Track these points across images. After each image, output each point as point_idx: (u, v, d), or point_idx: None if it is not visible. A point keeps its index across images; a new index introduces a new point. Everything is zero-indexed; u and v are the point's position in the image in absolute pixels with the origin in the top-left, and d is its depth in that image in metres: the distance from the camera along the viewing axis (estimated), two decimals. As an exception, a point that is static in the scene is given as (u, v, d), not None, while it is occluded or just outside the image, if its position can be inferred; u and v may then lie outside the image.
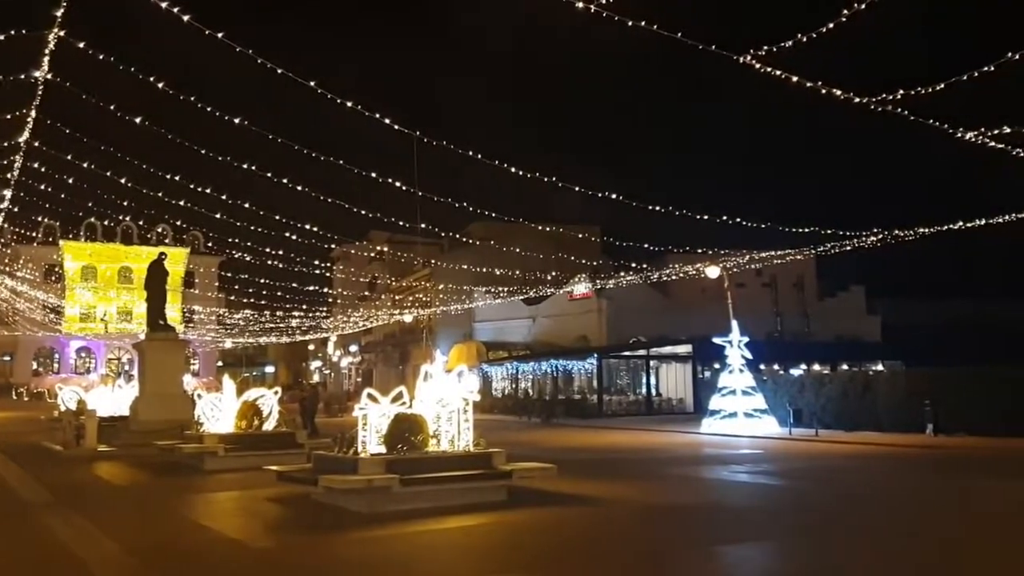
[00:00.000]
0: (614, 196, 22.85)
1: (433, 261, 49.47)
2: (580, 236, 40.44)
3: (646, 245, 32.02)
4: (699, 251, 35.70)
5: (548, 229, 32.85)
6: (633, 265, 36.74)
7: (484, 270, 42.79)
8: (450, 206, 25.57)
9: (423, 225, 27.67)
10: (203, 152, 22.56)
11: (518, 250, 36.75)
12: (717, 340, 28.04)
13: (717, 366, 32.25)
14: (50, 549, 9.53)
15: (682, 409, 38.36)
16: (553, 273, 42.93)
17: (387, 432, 11.95)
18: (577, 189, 21.62)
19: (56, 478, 16.24)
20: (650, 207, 23.76)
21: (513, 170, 19.91)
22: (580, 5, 12.18)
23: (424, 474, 11.48)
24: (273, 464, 13.93)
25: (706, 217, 25.78)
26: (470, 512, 11.02)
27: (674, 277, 39.76)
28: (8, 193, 31.29)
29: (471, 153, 19.42)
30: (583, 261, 41.79)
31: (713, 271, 30.98)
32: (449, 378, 12.99)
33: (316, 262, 45.23)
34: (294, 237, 33.87)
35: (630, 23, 12.45)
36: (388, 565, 8.64)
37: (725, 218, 25.61)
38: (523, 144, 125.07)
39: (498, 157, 20.54)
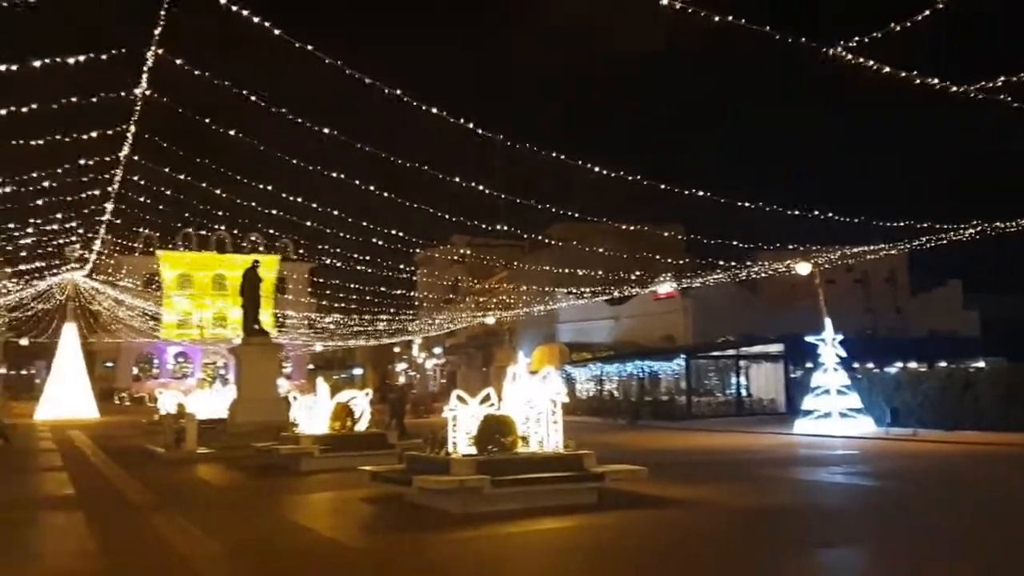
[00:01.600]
0: (700, 193, 22.54)
1: (516, 263, 49.63)
2: (664, 235, 40.06)
3: (733, 242, 31.50)
4: (789, 247, 34.94)
5: (631, 228, 32.59)
6: (721, 263, 36.17)
7: (566, 271, 42.77)
8: (530, 207, 25.65)
9: (504, 227, 27.80)
10: (294, 162, 23.12)
11: (601, 250, 36.58)
12: (809, 338, 27.41)
13: (809, 365, 31.48)
14: (156, 548, 9.89)
15: (773, 410, 37.57)
16: (637, 273, 42.57)
17: (477, 433, 12.05)
18: (662, 186, 21.42)
19: (159, 479, 16.86)
20: (738, 203, 23.35)
21: (596, 169, 19.85)
22: (664, 1, 12.08)
23: (515, 475, 11.54)
24: (366, 465, 14.19)
25: (796, 212, 25.27)
26: (561, 514, 11.02)
27: (763, 275, 39.01)
28: (110, 206, 32.67)
29: (553, 155, 19.44)
30: (667, 260, 41.34)
31: (804, 267, 30.29)
32: (535, 380, 13.03)
33: (401, 266, 45.90)
34: (380, 243, 34.43)
35: (716, 18, 12.30)
36: (483, 566, 8.72)
37: (816, 213, 25.01)
38: (604, 143, 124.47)
39: (579, 157, 20.54)
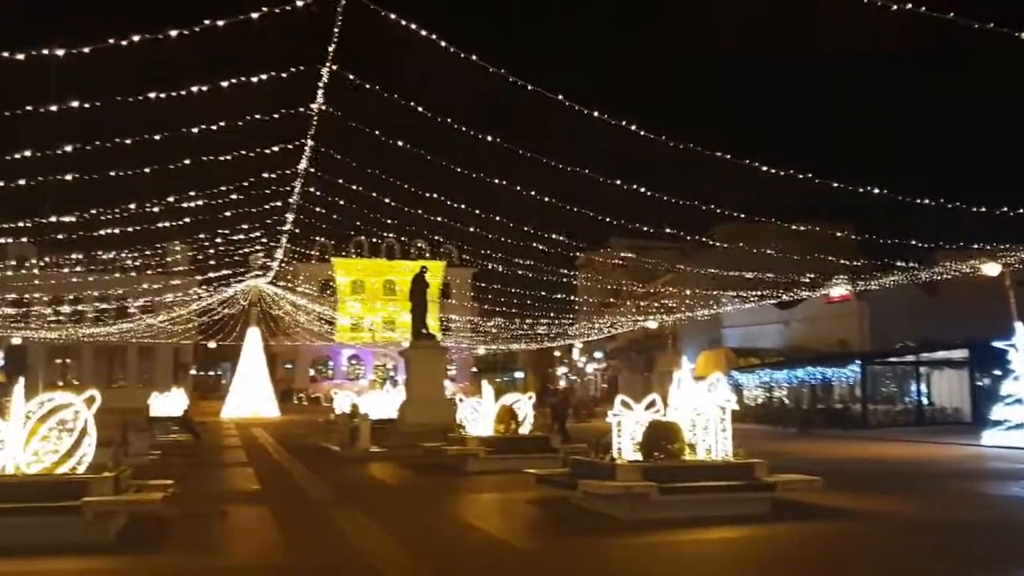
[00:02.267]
0: (875, 190, 21.44)
1: (680, 266, 48.83)
2: (837, 235, 38.34)
3: (911, 242, 29.73)
4: (974, 247, 32.65)
5: (801, 228, 31.36)
6: (898, 263, 34.22)
7: (731, 273, 41.71)
8: (693, 208, 25.17)
9: (667, 230, 27.42)
10: (459, 170, 23.70)
11: (769, 251, 35.39)
12: (998, 344, 25.54)
13: (998, 372, 29.34)
14: (336, 542, 10.34)
15: (958, 419, 35.27)
16: (808, 275, 40.92)
17: (642, 439, 11.93)
18: (835, 185, 20.52)
19: (336, 476, 17.64)
20: (917, 200, 22.06)
21: (764, 168, 19.26)
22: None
23: (683, 483, 11.35)
24: (530, 467, 14.34)
25: (982, 209, 23.59)
26: (731, 524, 10.75)
27: (945, 276, 36.67)
28: (291, 216, 34.57)
29: (718, 154, 19.02)
30: (840, 261, 39.52)
31: (991, 268, 28.29)
32: (703, 386, 12.77)
33: (563, 270, 46.09)
34: (541, 247, 34.75)
35: (894, 7, 11.67)
36: (653, 574, 8.62)
37: (1005, 209, 23.25)
38: (771, 141, 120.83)
39: (744, 156, 19.99)
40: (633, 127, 17.58)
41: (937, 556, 9.38)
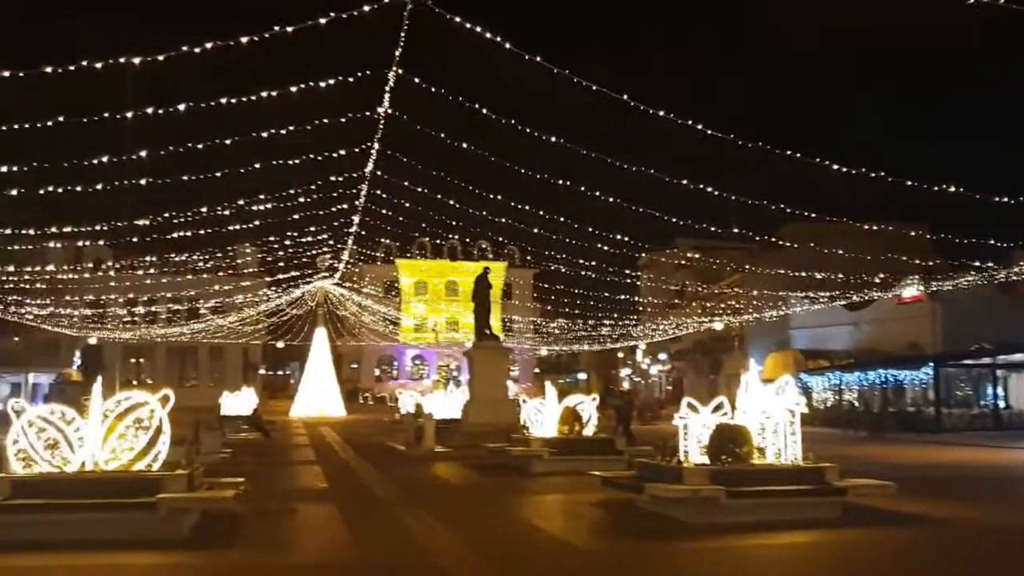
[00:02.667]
0: (951, 189, 20.82)
1: (747, 267, 48.08)
2: (910, 234, 37.34)
3: (989, 241, 28.81)
4: (1054, 246, 31.53)
5: (873, 228, 30.61)
6: (977, 264, 33.19)
7: (800, 274, 40.94)
8: (759, 208, 24.76)
9: (735, 230, 27.02)
10: (522, 171, 23.71)
11: (839, 251, 34.62)
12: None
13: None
14: (402, 541, 10.43)
15: (1037, 424, 34.15)
16: (881, 276, 39.93)
17: (709, 442, 11.78)
18: (909, 183, 19.99)
19: (401, 475, 17.81)
20: (994, 198, 21.36)
21: (836, 167, 18.86)
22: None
23: (751, 487, 11.18)
24: (594, 469, 14.27)
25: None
26: (801, 528, 10.56)
27: (1024, 276, 35.49)
28: (357, 219, 35.02)
29: (787, 152, 18.68)
30: (913, 261, 38.51)
31: (1073, 268, 27.30)
32: (770, 389, 12.57)
33: (626, 271, 45.78)
34: (605, 248, 34.54)
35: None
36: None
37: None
38: (841, 139, 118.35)
39: (814, 154, 19.59)
40: (700, 126, 17.37)
41: (1012, 564, 9.09)
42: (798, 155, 18.79)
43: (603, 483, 13.18)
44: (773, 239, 35.86)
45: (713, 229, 28.64)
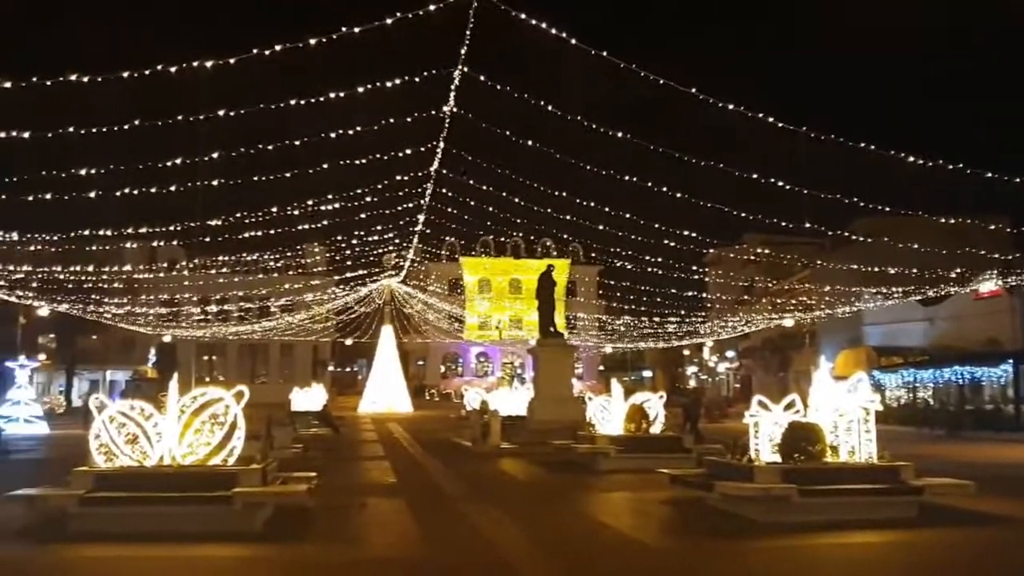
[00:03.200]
0: (1032, 181, 20.10)
1: (819, 262, 47.12)
2: (989, 228, 36.17)
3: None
4: None
5: (950, 221, 29.71)
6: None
7: (873, 269, 40.01)
8: (832, 202, 24.21)
9: (807, 224, 26.48)
10: (587, 168, 23.60)
11: (915, 246, 33.70)
12: None
13: None
14: (471, 536, 10.49)
15: (1125, 423, 32.74)
16: (957, 270, 38.77)
17: (781, 441, 11.59)
18: (988, 175, 19.34)
19: (468, 471, 17.90)
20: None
21: (911, 159, 18.36)
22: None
23: (824, 485, 10.97)
24: (661, 467, 14.16)
25: None
26: (875, 528, 10.33)
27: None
28: (422, 217, 35.32)
29: (861, 145, 18.25)
30: (992, 255, 37.29)
31: None
32: (844, 386, 12.32)
33: (693, 267, 45.28)
34: (671, 243, 34.16)
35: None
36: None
37: None
38: (917, 132, 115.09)
39: (889, 146, 19.07)
40: (771, 119, 17.08)
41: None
42: (872, 147, 18.35)
43: (672, 481, 13.06)
44: (845, 234, 35.07)
45: (784, 224, 28.12)
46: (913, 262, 38.45)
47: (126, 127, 17.59)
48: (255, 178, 23.25)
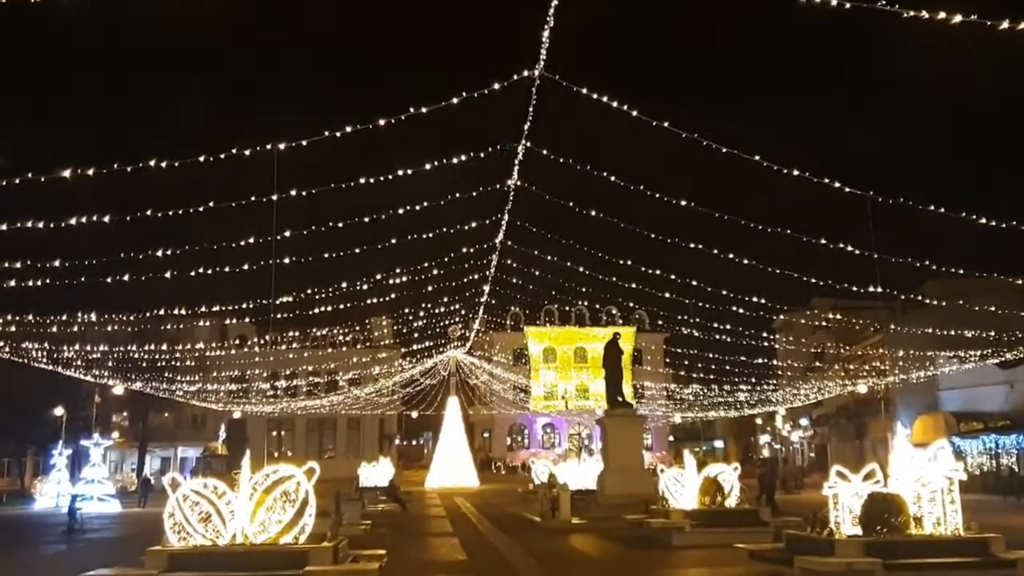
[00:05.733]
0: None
1: (893, 327, 46.02)
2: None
3: None
4: None
5: (1024, 282, 28.80)
6: None
7: (948, 332, 38.90)
8: (901, 266, 23.73)
9: (878, 288, 25.90)
10: (651, 235, 23.58)
11: (990, 308, 32.76)
12: None
13: None
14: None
15: None
16: (1037, 331, 37.50)
17: (862, 512, 11.23)
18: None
19: (539, 548, 17.60)
20: None
21: (983, 221, 17.94)
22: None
23: (910, 559, 10.54)
24: (738, 541, 13.78)
25: None
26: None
27: None
28: (487, 288, 35.58)
29: (931, 208, 17.92)
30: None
31: None
32: (924, 454, 11.91)
33: (764, 334, 44.53)
34: (740, 310, 33.68)
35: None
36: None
37: None
38: (988, 192, 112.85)
39: (959, 208, 18.71)
40: (836, 184, 16.90)
41: None
42: (941, 209, 18.00)
43: (750, 556, 12.68)
44: (917, 297, 34.27)
45: (855, 288, 27.58)
46: (989, 324, 37.35)
47: (201, 209, 18.17)
48: (325, 255, 23.75)
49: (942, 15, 10.77)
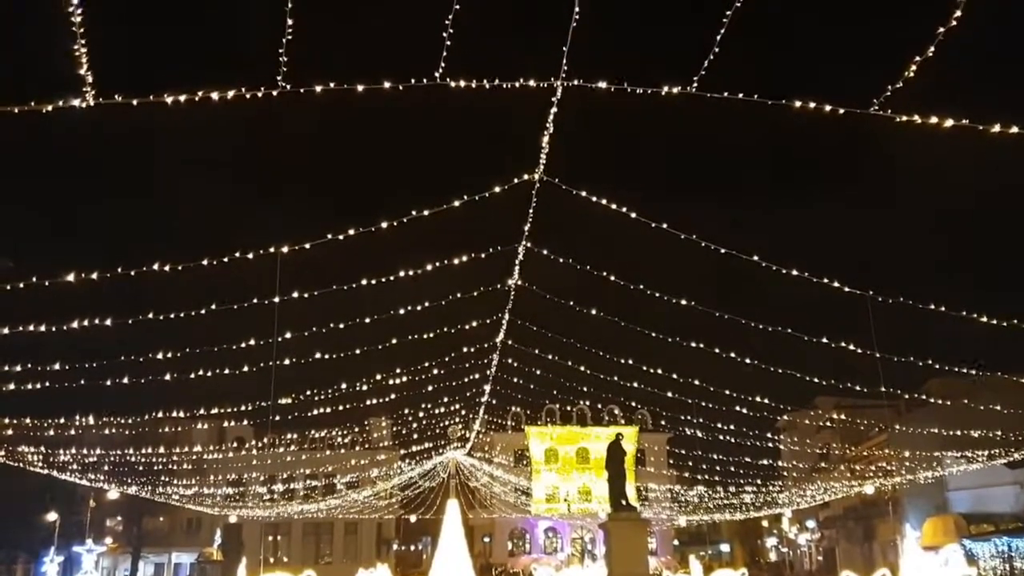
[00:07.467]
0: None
1: (898, 427, 45.59)
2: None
3: None
4: None
5: (1030, 381, 28.71)
6: None
7: (953, 432, 38.46)
8: (903, 365, 23.65)
9: (882, 388, 25.76)
10: (652, 335, 23.57)
11: (995, 407, 32.51)
12: None
13: None
14: None
15: None
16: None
17: (878, 620, 10.86)
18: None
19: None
20: None
21: (984, 320, 17.98)
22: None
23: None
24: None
25: None
26: None
27: None
28: (488, 388, 35.41)
29: (931, 307, 17.97)
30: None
31: None
32: (936, 559, 11.64)
33: (768, 434, 44.04)
34: (743, 410, 33.36)
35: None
36: None
37: None
38: (989, 290, 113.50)
39: (960, 307, 18.76)
40: (836, 283, 17.01)
41: None
42: (942, 308, 18.05)
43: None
44: (921, 396, 34.08)
45: (859, 388, 27.44)
46: (996, 423, 37.02)
47: (203, 312, 18.21)
48: (324, 356, 23.68)
49: (934, 119, 11.00)
